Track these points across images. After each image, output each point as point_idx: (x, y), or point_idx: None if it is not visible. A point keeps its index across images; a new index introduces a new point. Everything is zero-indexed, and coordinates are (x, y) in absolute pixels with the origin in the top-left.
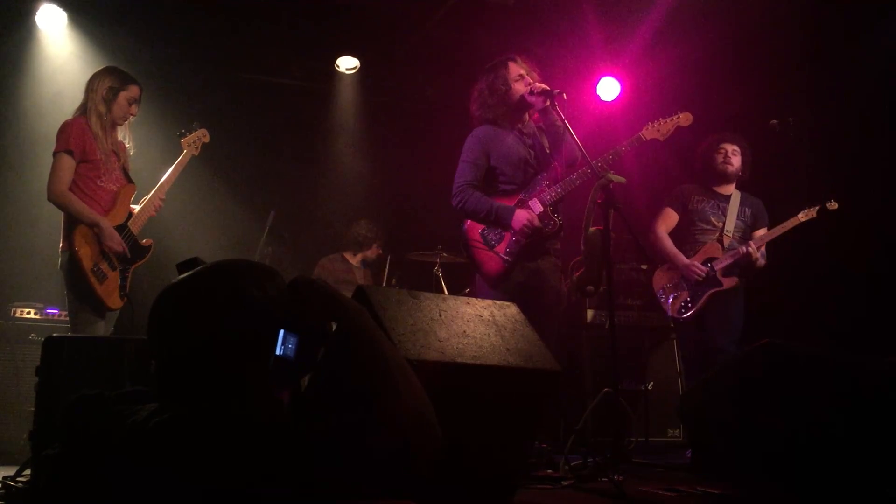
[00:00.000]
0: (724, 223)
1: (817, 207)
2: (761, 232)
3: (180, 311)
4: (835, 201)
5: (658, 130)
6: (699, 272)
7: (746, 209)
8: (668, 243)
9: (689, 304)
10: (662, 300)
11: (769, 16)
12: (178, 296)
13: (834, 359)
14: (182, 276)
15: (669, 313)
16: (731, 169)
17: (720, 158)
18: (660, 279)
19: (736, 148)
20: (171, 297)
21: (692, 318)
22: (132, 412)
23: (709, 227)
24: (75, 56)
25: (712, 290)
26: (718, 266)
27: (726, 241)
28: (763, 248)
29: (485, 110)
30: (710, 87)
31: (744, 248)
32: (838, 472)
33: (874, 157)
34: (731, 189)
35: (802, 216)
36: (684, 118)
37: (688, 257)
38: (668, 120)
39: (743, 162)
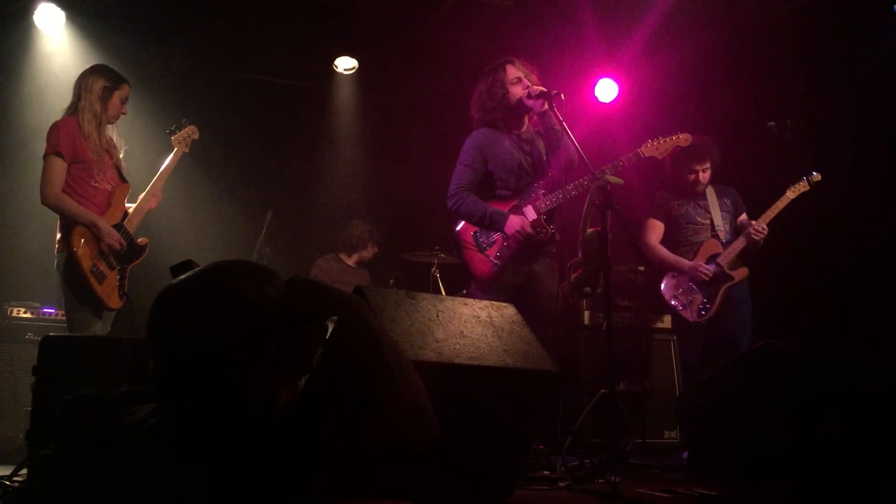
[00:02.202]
0: (711, 219)
1: (802, 181)
2: (744, 216)
3: (178, 312)
4: (817, 173)
5: (657, 149)
6: (707, 272)
7: (725, 200)
8: (665, 252)
9: (708, 305)
10: (679, 308)
11: (766, 17)
12: (176, 297)
13: (832, 359)
14: (180, 277)
15: (690, 318)
16: (700, 187)
17: (691, 179)
18: (669, 287)
19: (706, 165)
20: (169, 298)
21: (712, 318)
22: (129, 413)
23: (698, 227)
24: (73, 55)
25: (726, 286)
26: (724, 261)
27: (722, 236)
28: None
29: (483, 113)
30: (707, 89)
31: (754, 230)
32: (836, 472)
33: (872, 158)
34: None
35: (791, 193)
36: (683, 139)
37: (688, 259)
38: (667, 139)
39: (713, 170)
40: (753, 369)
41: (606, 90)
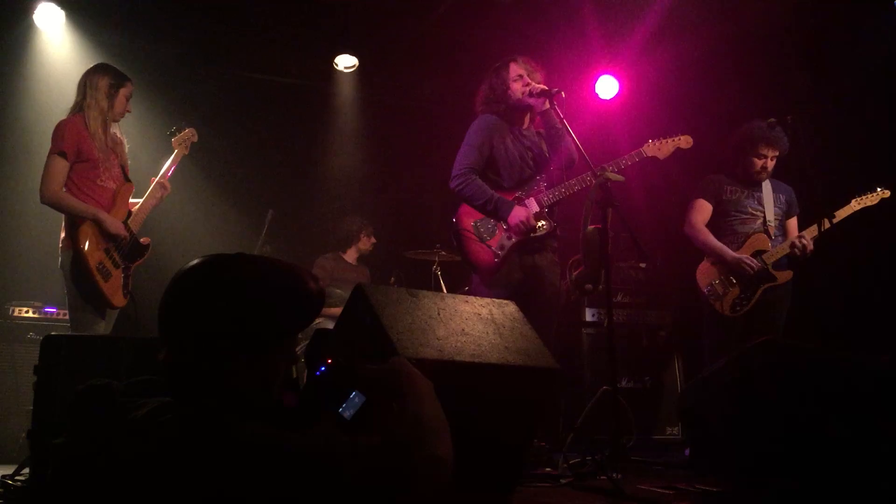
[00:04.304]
0: (763, 212)
1: (871, 195)
2: (794, 220)
3: (200, 297)
4: (884, 189)
5: (659, 149)
6: (752, 266)
7: (780, 196)
8: (711, 237)
9: (744, 301)
10: (713, 298)
11: (768, 14)
12: (199, 281)
13: (832, 357)
14: (198, 260)
15: (722, 311)
16: (763, 175)
17: (759, 165)
18: (706, 274)
19: (775, 154)
20: (190, 281)
21: (746, 315)
22: (136, 406)
23: (748, 217)
24: (73, 54)
25: (765, 286)
26: (771, 260)
27: (771, 231)
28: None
29: (486, 106)
30: (708, 86)
31: (799, 242)
32: (836, 470)
33: (873, 156)
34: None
35: (856, 204)
36: (685, 140)
37: (731, 249)
38: (668, 140)
39: (779, 160)
40: (755, 366)
41: (607, 87)
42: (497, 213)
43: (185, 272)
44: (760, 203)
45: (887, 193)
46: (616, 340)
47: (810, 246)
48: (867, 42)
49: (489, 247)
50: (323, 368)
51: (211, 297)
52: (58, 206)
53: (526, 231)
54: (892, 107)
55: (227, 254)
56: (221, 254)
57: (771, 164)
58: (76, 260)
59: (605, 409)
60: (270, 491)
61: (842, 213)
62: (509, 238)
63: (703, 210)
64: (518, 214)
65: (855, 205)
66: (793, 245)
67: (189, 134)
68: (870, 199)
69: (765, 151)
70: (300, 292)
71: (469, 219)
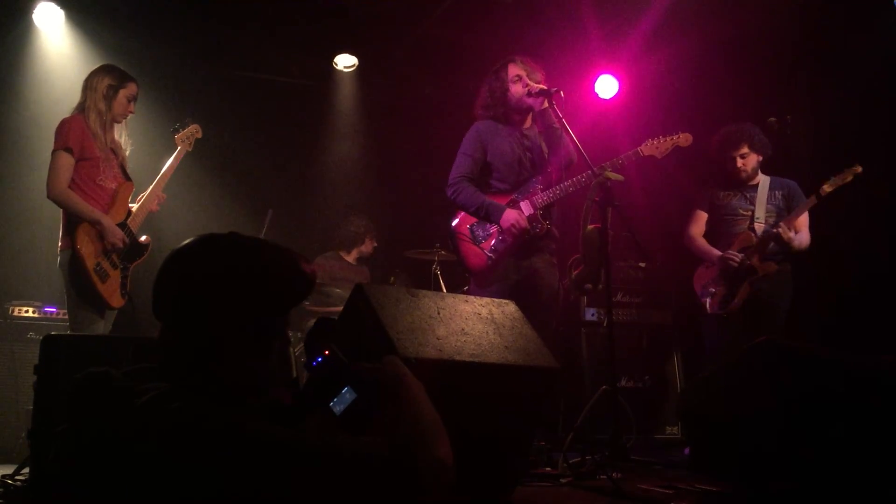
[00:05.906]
0: (752, 211)
1: (843, 173)
2: (796, 214)
3: (182, 271)
4: (858, 165)
5: (657, 148)
6: (734, 259)
7: (777, 192)
8: (699, 242)
9: (730, 297)
10: (704, 299)
11: (767, 13)
12: (179, 256)
13: (832, 357)
14: (193, 238)
15: (710, 310)
16: (744, 175)
17: (730, 167)
18: (700, 277)
19: (744, 151)
20: (174, 257)
21: (735, 312)
22: (136, 392)
23: (738, 218)
24: (73, 53)
25: (750, 279)
26: (755, 255)
27: (759, 229)
28: (804, 229)
29: (485, 111)
30: (707, 85)
31: (773, 230)
32: (838, 471)
33: (872, 155)
34: (757, 178)
35: (828, 187)
36: (683, 139)
37: (720, 251)
38: (667, 139)
39: (759, 155)
40: (755, 366)
41: (607, 86)
42: (489, 217)
43: (172, 253)
44: (752, 202)
45: (859, 168)
46: (616, 340)
47: (787, 234)
48: (868, 40)
49: (482, 249)
50: (320, 359)
51: (192, 277)
52: (64, 204)
53: (518, 233)
54: (892, 106)
55: (218, 233)
56: (212, 233)
57: (745, 163)
58: (74, 261)
59: (604, 408)
60: (273, 490)
61: (813, 201)
62: (503, 241)
63: (698, 220)
64: (509, 217)
65: (827, 188)
66: (766, 234)
67: (193, 130)
68: (842, 178)
69: (731, 152)
70: (290, 271)
71: (466, 223)
